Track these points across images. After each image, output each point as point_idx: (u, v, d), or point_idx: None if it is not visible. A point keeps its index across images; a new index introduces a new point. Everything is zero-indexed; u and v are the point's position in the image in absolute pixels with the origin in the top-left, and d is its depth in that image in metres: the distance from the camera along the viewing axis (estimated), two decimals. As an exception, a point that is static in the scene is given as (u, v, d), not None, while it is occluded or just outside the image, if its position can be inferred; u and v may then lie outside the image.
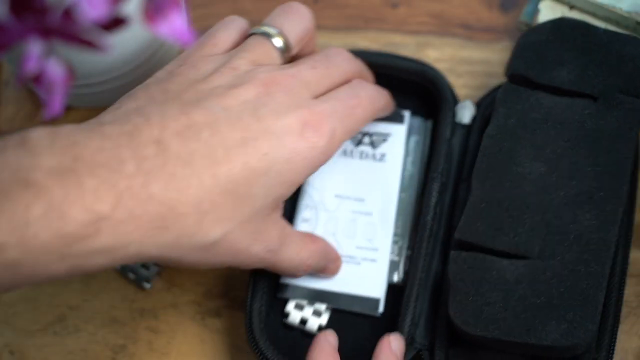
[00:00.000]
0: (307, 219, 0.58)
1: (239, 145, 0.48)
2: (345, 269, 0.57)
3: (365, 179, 0.59)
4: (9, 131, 0.63)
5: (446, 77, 0.60)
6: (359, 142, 0.59)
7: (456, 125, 0.59)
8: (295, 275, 0.55)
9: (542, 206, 0.53)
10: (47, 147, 0.44)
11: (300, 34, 0.54)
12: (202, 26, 0.65)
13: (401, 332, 0.54)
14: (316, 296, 0.56)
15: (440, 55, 0.63)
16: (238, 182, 0.48)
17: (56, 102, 0.44)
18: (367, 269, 0.56)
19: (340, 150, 0.58)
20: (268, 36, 0.53)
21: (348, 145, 0.59)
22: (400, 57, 0.60)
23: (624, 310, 0.56)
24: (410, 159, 0.59)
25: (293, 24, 0.54)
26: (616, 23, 0.61)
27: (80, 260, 0.44)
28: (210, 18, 0.65)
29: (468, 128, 0.59)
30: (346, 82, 0.55)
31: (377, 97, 0.56)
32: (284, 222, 0.52)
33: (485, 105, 0.59)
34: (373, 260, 0.56)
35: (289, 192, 0.51)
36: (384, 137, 0.59)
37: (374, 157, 0.59)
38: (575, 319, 0.50)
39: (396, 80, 0.60)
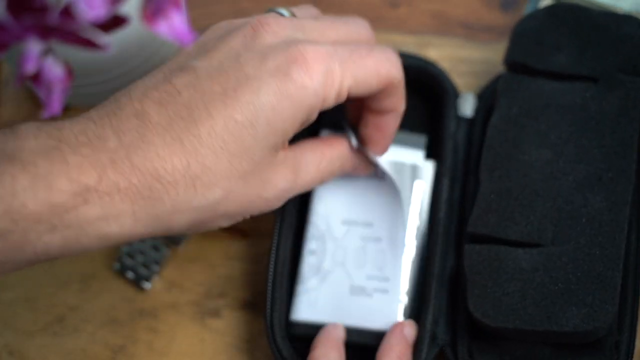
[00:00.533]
0: (314, 251, 0.55)
1: (219, 98, 0.46)
2: (356, 301, 0.55)
3: (372, 200, 0.56)
4: (8, 131, 0.63)
5: (446, 72, 0.59)
6: None
7: (459, 119, 0.59)
8: (322, 183, 0.52)
9: (552, 192, 0.53)
10: (33, 132, 0.44)
11: (315, 14, 0.52)
12: (202, 26, 0.65)
13: (423, 330, 0.53)
14: None
15: (441, 55, 0.63)
16: (226, 139, 0.45)
17: (55, 102, 0.44)
18: (379, 301, 0.55)
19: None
20: (276, 12, 0.51)
21: None
22: (400, 54, 0.60)
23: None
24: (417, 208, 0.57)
25: (303, 10, 0.52)
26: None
27: (74, 232, 0.44)
28: (210, 18, 0.65)
29: (471, 121, 0.59)
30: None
31: (395, 61, 0.51)
32: (291, 154, 0.49)
33: (487, 97, 0.59)
34: (384, 292, 0.55)
35: (286, 137, 0.48)
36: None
37: (375, 174, 0.56)
38: (595, 302, 0.50)
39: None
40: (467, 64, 0.63)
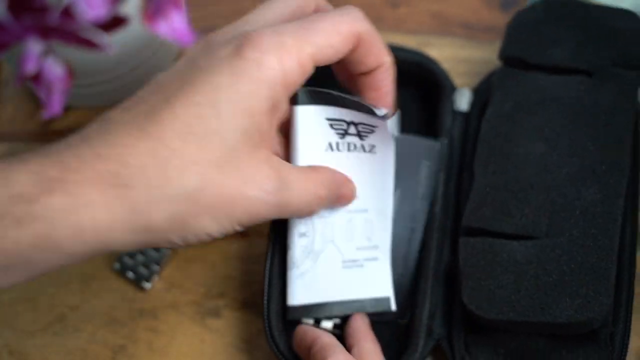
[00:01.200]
0: (304, 233, 0.54)
1: (177, 89, 0.45)
2: (349, 274, 0.55)
3: (356, 173, 0.54)
4: (8, 131, 0.63)
5: (442, 66, 0.60)
6: (344, 133, 0.53)
7: (455, 113, 0.59)
8: (310, 213, 0.50)
9: (546, 185, 0.54)
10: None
11: None
12: (202, 26, 0.65)
13: (419, 324, 0.54)
14: (327, 309, 0.55)
15: (441, 55, 0.63)
16: (189, 122, 0.44)
17: (55, 102, 0.44)
18: (371, 270, 0.55)
19: (325, 145, 0.53)
20: None
21: (334, 137, 0.53)
22: (396, 48, 0.60)
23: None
24: (421, 190, 0.57)
25: None
26: (617, 23, 0.61)
27: (43, 225, 0.42)
28: (210, 18, 0.65)
29: (467, 115, 0.59)
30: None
31: (357, 16, 0.50)
32: (277, 160, 0.47)
33: (483, 91, 0.59)
34: (375, 259, 0.55)
35: (257, 120, 0.46)
36: (371, 128, 0.53)
37: (363, 148, 0.53)
38: (589, 293, 0.50)
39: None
40: (467, 64, 0.63)
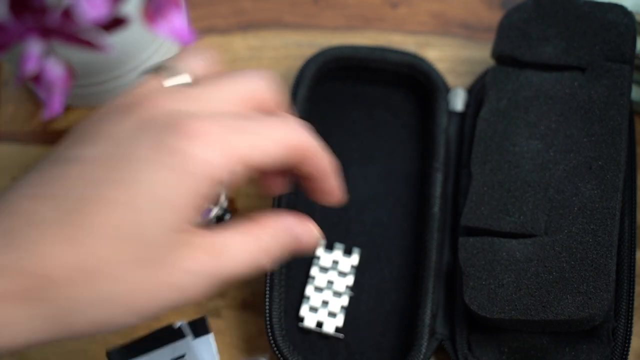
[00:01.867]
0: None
1: (109, 184, 0.42)
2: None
3: None
4: (8, 131, 0.63)
5: (436, 66, 0.60)
6: None
7: (450, 114, 0.59)
8: (265, 268, 0.47)
9: (543, 182, 0.54)
10: None
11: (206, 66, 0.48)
12: (202, 26, 0.65)
13: (421, 325, 0.54)
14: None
15: (441, 55, 0.63)
16: (118, 225, 0.42)
17: (56, 102, 0.44)
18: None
19: None
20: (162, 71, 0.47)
21: None
22: (389, 50, 0.60)
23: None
24: None
25: (194, 60, 0.47)
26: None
27: None
28: (210, 18, 0.65)
29: (462, 115, 0.59)
30: None
31: (301, 129, 0.46)
32: (207, 237, 0.44)
33: (477, 91, 0.59)
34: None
35: (188, 214, 0.43)
36: None
37: None
38: (589, 289, 0.50)
39: (387, 74, 0.60)
40: (467, 64, 0.63)
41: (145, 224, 0.42)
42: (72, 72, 0.45)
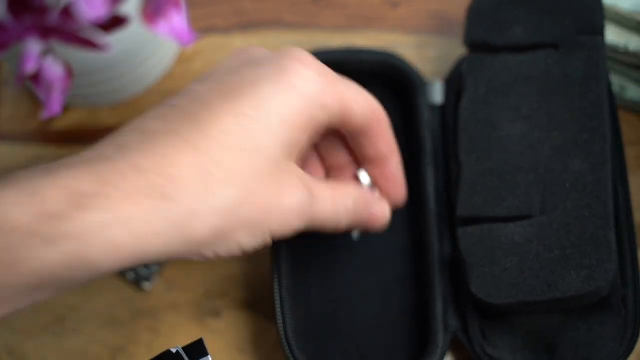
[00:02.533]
0: None
1: (223, 100, 0.44)
2: None
3: None
4: (8, 131, 0.63)
5: (409, 61, 0.59)
6: None
7: (431, 107, 0.59)
8: (338, 227, 0.49)
9: (533, 163, 0.54)
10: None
11: None
12: (202, 26, 0.65)
13: (435, 321, 0.54)
14: None
15: (440, 55, 0.63)
16: (234, 133, 0.43)
17: (55, 102, 0.44)
18: None
19: None
20: None
21: None
22: (361, 51, 0.59)
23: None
24: None
25: None
26: (617, 23, 0.61)
27: (76, 245, 0.39)
28: (210, 18, 0.65)
29: (443, 107, 0.59)
30: None
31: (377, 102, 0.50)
32: (305, 174, 0.47)
33: (454, 81, 0.59)
34: None
35: (296, 134, 0.45)
36: None
37: None
38: (593, 262, 0.50)
39: (362, 74, 0.60)
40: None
41: (264, 137, 0.44)
42: (71, 72, 0.45)
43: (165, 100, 0.46)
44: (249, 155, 0.43)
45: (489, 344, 0.53)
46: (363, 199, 0.50)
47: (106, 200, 0.40)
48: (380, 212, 0.51)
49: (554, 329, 0.52)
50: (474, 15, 0.58)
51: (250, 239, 0.45)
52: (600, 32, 0.56)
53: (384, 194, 0.52)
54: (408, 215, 0.58)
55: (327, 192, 0.48)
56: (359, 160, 0.52)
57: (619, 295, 0.52)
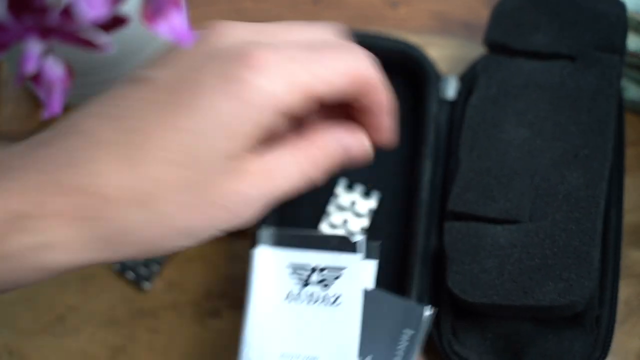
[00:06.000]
0: None
1: (171, 108, 0.43)
2: None
3: (317, 330, 0.49)
4: (8, 131, 0.63)
5: (427, 54, 0.60)
6: (306, 282, 0.49)
7: (442, 101, 0.59)
8: (315, 181, 0.47)
9: (530, 170, 0.54)
10: None
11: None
12: (202, 26, 0.65)
13: None
14: None
15: (441, 55, 0.63)
16: (177, 150, 0.42)
17: (55, 102, 0.44)
18: None
19: (284, 294, 0.49)
20: None
21: (294, 286, 0.49)
22: (381, 38, 0.60)
23: (625, 311, 0.56)
24: None
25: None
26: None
27: (6, 265, 0.40)
28: (210, 18, 0.65)
29: (453, 103, 0.60)
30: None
31: (365, 59, 0.47)
32: (260, 161, 0.45)
33: (469, 79, 0.60)
34: None
35: (249, 142, 0.44)
36: (338, 272, 0.49)
37: (325, 300, 0.49)
38: (571, 277, 0.51)
39: (378, 61, 0.60)
40: (467, 64, 0.63)
41: (202, 149, 0.43)
42: (72, 72, 0.45)
43: (121, 80, 0.45)
44: (183, 170, 0.42)
45: (457, 341, 0.53)
46: (331, 143, 0.47)
47: (43, 222, 0.40)
48: (356, 145, 0.48)
49: (524, 337, 0.52)
50: (497, 16, 0.58)
51: (193, 241, 0.44)
52: (619, 51, 0.56)
53: (368, 136, 0.49)
54: (400, 203, 0.58)
55: (293, 168, 0.45)
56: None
57: (594, 314, 0.52)
